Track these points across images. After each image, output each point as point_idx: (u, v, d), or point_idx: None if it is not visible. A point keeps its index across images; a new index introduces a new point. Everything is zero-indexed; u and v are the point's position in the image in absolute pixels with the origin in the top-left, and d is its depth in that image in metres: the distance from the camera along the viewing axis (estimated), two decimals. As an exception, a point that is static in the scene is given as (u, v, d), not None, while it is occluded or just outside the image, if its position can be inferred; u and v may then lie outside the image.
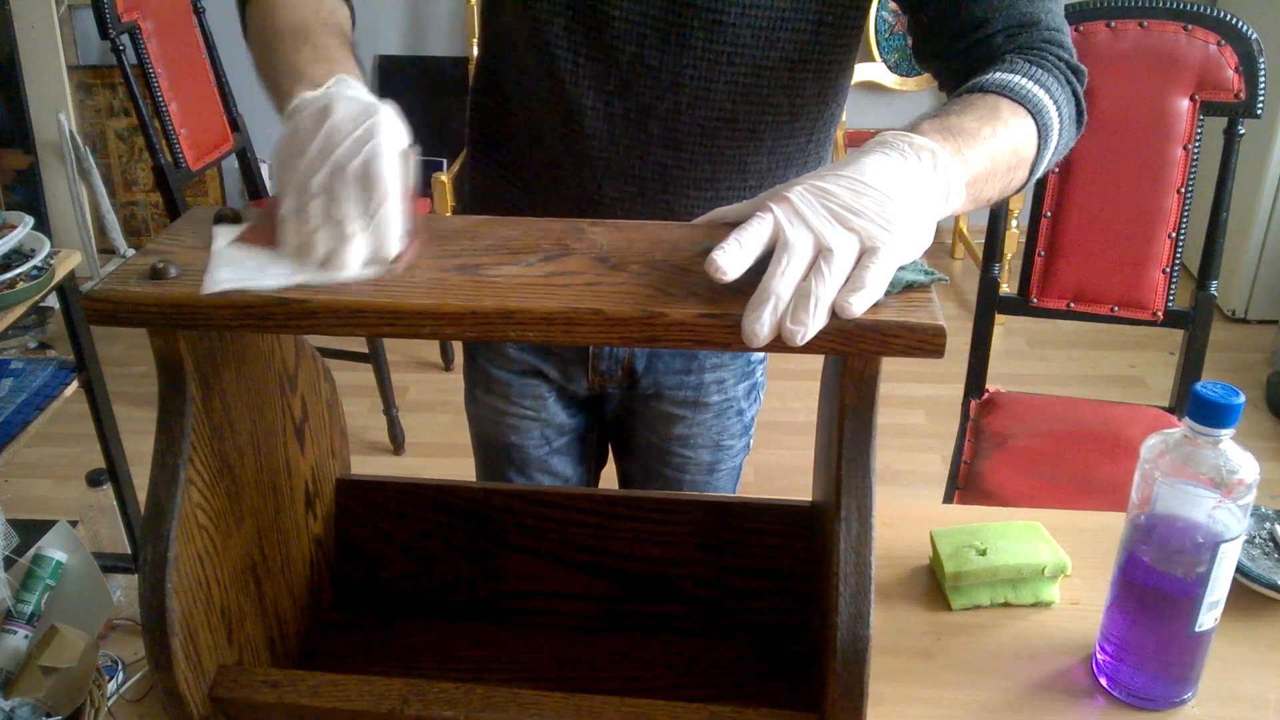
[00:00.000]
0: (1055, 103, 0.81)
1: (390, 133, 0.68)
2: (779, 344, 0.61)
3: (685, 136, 0.97)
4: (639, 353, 1.15)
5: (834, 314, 0.61)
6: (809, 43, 0.94)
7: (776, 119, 0.98)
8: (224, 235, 0.71)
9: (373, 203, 0.67)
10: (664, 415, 1.20)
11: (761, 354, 1.20)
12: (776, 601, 0.92)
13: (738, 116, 0.97)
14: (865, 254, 0.62)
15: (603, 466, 1.36)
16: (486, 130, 1.10)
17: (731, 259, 0.62)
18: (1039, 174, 0.83)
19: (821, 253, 0.62)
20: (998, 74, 0.80)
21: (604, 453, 1.34)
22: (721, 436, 1.22)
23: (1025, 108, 0.79)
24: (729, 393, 1.20)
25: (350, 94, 0.71)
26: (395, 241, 0.68)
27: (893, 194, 0.64)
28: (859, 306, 0.61)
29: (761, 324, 0.60)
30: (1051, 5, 0.88)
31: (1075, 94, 0.85)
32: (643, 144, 0.98)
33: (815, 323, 0.60)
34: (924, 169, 0.67)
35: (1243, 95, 1.51)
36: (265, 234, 0.70)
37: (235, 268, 0.67)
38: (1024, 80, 0.80)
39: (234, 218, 0.74)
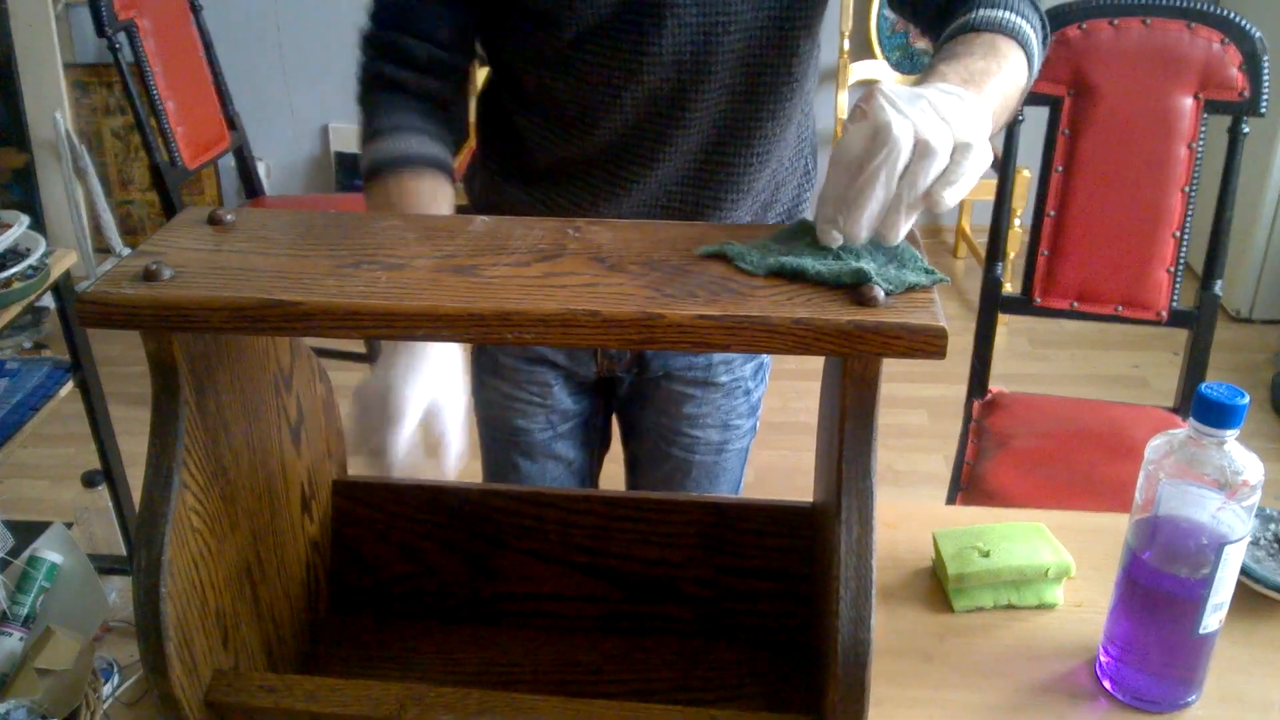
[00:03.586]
0: (1035, 30, 0.87)
1: None
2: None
3: (691, 112, 1.01)
4: None
5: (926, 207, 0.66)
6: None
7: (775, 81, 1.02)
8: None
9: None
10: (674, 396, 1.23)
11: None
12: (777, 603, 0.92)
13: (735, 82, 1.00)
14: (959, 149, 0.66)
15: (606, 450, 1.38)
16: (493, 125, 1.13)
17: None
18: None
19: (919, 145, 0.65)
20: (983, 11, 0.86)
21: (607, 437, 1.37)
22: (730, 416, 1.25)
23: (1015, 40, 0.84)
24: (736, 372, 1.23)
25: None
26: None
27: (971, 102, 0.69)
28: (951, 198, 0.65)
29: (863, 221, 0.64)
30: None
31: (1043, 19, 0.91)
32: (652, 121, 1.01)
33: (908, 218, 0.65)
34: (971, 99, 0.73)
35: (1247, 94, 1.50)
36: None
37: None
38: (1008, 14, 0.86)
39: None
